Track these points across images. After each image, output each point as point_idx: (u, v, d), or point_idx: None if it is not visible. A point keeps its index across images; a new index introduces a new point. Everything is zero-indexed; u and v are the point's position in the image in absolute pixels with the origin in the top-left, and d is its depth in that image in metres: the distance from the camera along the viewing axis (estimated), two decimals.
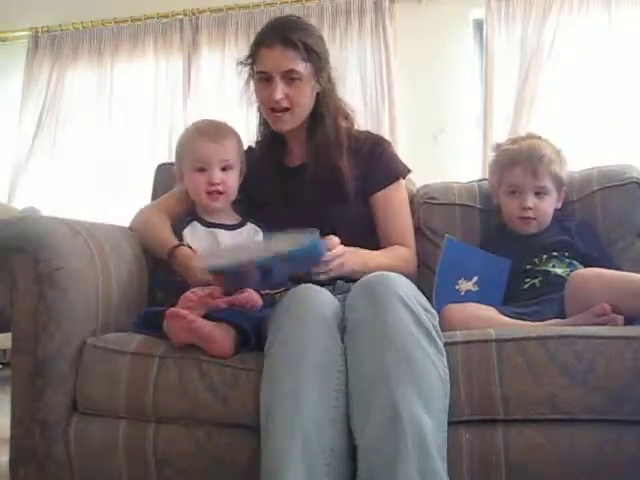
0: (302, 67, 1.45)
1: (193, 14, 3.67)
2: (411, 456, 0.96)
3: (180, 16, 3.69)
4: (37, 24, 3.85)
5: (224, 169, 1.44)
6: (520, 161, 1.58)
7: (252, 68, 1.52)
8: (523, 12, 3.23)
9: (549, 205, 1.58)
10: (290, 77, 1.45)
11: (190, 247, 1.39)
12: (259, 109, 1.59)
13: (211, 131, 1.45)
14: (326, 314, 1.12)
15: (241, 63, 1.55)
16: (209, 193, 1.42)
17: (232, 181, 1.46)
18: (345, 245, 1.39)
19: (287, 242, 1.16)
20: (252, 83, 1.54)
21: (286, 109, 1.47)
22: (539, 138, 1.66)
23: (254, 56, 1.50)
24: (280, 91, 1.45)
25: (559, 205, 1.62)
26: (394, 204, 1.58)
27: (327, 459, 1.00)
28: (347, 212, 1.51)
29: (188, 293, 1.19)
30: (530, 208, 1.56)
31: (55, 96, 3.81)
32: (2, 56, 3.98)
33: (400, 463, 0.95)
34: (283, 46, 1.44)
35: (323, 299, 1.15)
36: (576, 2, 3.18)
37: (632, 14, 3.13)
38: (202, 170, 1.43)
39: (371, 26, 3.42)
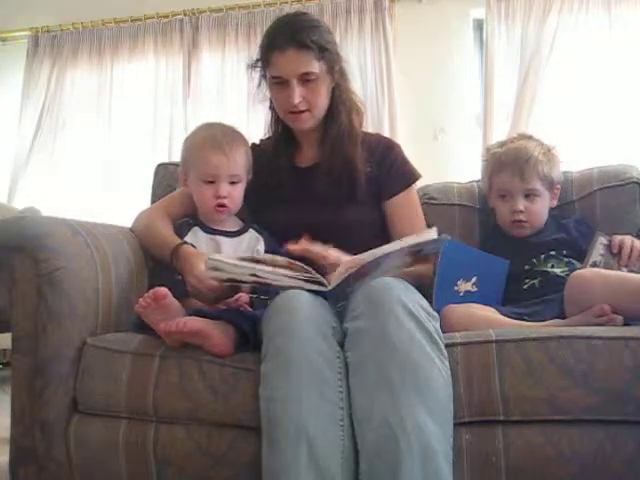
0: (317, 67, 1.44)
1: (193, 14, 3.67)
2: (415, 463, 0.95)
3: (180, 16, 3.69)
4: (37, 24, 3.85)
5: (232, 183, 1.43)
6: (507, 165, 1.58)
7: (264, 70, 1.50)
8: (523, 12, 3.23)
9: (541, 206, 1.58)
10: (306, 79, 1.44)
11: (194, 246, 1.39)
12: (271, 107, 1.58)
13: (223, 143, 1.41)
14: (316, 318, 1.10)
15: (252, 66, 1.52)
16: (215, 206, 1.42)
17: (238, 194, 1.45)
18: (354, 246, 1.40)
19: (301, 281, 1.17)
20: (264, 83, 1.53)
21: (305, 110, 1.47)
22: (529, 138, 1.66)
23: (266, 61, 1.47)
24: (298, 95, 1.44)
25: (554, 204, 1.62)
26: (410, 208, 1.59)
27: (339, 460, 1.00)
28: (360, 214, 1.52)
29: (137, 307, 1.20)
30: (521, 211, 1.56)
31: (55, 96, 3.80)
32: (2, 56, 3.97)
33: (403, 470, 0.95)
34: (296, 49, 1.41)
35: (310, 304, 1.13)
36: (576, 2, 3.18)
37: (632, 14, 3.13)
38: (210, 182, 1.42)
39: (371, 26, 3.42)
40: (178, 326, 1.15)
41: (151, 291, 1.19)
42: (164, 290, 1.19)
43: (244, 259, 1.19)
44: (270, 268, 1.17)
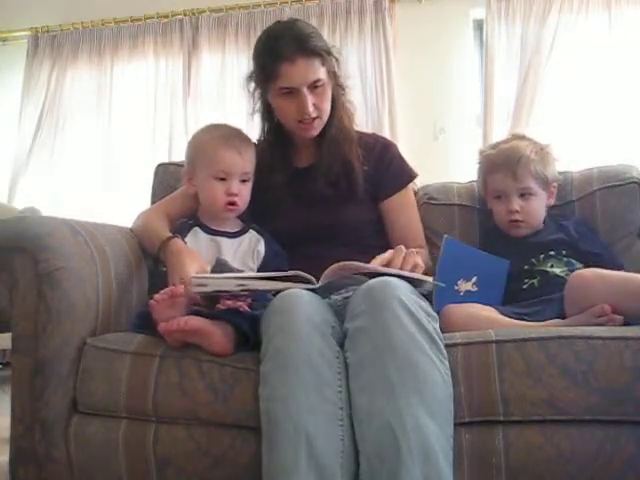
0: (323, 73, 1.45)
1: (193, 14, 3.67)
2: (415, 463, 0.95)
3: (180, 16, 3.69)
4: (37, 24, 3.85)
5: (242, 181, 1.44)
6: (499, 166, 1.58)
7: (266, 84, 1.48)
8: (523, 12, 3.23)
9: (537, 205, 1.58)
10: (315, 86, 1.44)
11: (184, 241, 1.39)
12: (265, 118, 1.58)
13: (236, 141, 1.43)
14: (314, 318, 1.10)
15: (257, 82, 1.51)
16: (226, 203, 1.42)
17: (247, 193, 1.46)
18: (354, 245, 1.40)
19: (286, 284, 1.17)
20: (255, 92, 1.54)
21: (315, 118, 1.47)
22: (522, 138, 1.66)
23: (274, 73, 1.43)
24: (310, 103, 1.44)
25: (551, 202, 1.62)
26: (407, 207, 1.62)
27: (339, 460, 1.00)
28: (359, 213, 1.53)
29: (153, 303, 1.19)
30: (517, 211, 1.56)
31: (55, 96, 3.80)
32: (2, 56, 3.97)
33: (404, 470, 0.95)
34: (306, 58, 1.41)
35: (309, 304, 1.13)
36: (576, 2, 3.18)
37: (632, 14, 3.14)
38: (222, 179, 1.42)
39: (371, 26, 3.42)
40: (179, 324, 1.15)
41: (169, 289, 1.19)
42: (181, 289, 1.19)
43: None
44: (255, 274, 1.17)
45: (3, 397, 2.47)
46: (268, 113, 1.56)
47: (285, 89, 1.44)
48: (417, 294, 1.16)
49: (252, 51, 1.51)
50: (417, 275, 1.20)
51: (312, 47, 1.41)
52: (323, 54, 1.44)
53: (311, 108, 1.44)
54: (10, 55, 3.95)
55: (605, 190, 1.66)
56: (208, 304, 1.24)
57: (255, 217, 1.53)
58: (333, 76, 1.50)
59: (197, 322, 1.16)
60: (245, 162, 1.44)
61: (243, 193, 1.44)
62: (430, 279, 1.23)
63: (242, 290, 1.19)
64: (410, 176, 1.62)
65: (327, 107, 1.49)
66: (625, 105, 3.09)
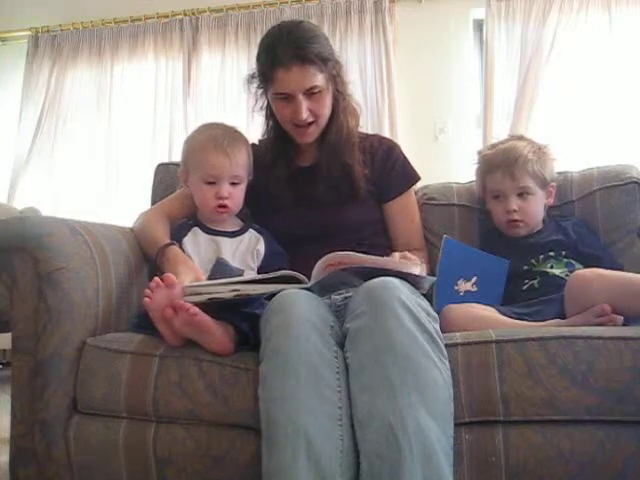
0: (320, 79, 1.43)
1: (193, 14, 3.68)
2: (416, 464, 0.95)
3: (180, 16, 3.69)
4: (37, 24, 3.85)
5: (233, 183, 1.44)
6: (497, 166, 1.59)
7: (264, 85, 1.49)
8: (523, 12, 3.23)
9: (535, 205, 1.58)
10: (311, 92, 1.43)
11: (183, 249, 1.39)
12: (267, 116, 1.58)
13: (225, 143, 1.42)
14: (312, 318, 1.10)
15: (250, 81, 1.52)
16: (216, 206, 1.42)
17: (239, 195, 1.46)
18: (356, 245, 1.40)
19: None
20: (254, 91, 1.54)
21: (310, 123, 1.47)
22: (520, 138, 1.67)
23: (269, 77, 1.44)
24: (305, 109, 1.44)
25: (550, 202, 1.62)
26: (410, 209, 1.63)
27: (339, 459, 1.00)
28: (362, 214, 1.54)
29: (147, 300, 1.16)
30: (515, 211, 1.56)
31: (55, 96, 3.80)
32: (2, 56, 3.98)
33: (405, 471, 0.95)
34: (301, 64, 1.40)
35: (308, 303, 1.13)
36: (576, 2, 3.18)
37: (632, 14, 3.14)
38: (211, 183, 1.42)
39: (371, 26, 3.42)
40: (184, 305, 1.12)
41: (156, 278, 1.17)
42: (173, 277, 1.18)
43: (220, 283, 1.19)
44: (245, 277, 1.17)
45: (3, 397, 2.48)
46: (271, 111, 1.56)
47: (281, 94, 1.44)
48: (418, 294, 1.16)
49: (254, 50, 1.52)
50: (411, 266, 1.18)
51: (309, 54, 1.40)
52: (321, 61, 1.42)
53: (305, 114, 1.44)
54: (10, 55, 3.95)
55: (605, 190, 1.66)
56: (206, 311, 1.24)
57: (256, 215, 1.53)
58: (333, 81, 1.49)
59: (201, 318, 1.15)
60: (234, 165, 1.42)
61: (234, 195, 1.44)
62: (431, 278, 1.22)
63: (236, 296, 1.18)
64: (413, 179, 1.63)
65: (325, 112, 1.49)
66: (625, 105, 3.09)
